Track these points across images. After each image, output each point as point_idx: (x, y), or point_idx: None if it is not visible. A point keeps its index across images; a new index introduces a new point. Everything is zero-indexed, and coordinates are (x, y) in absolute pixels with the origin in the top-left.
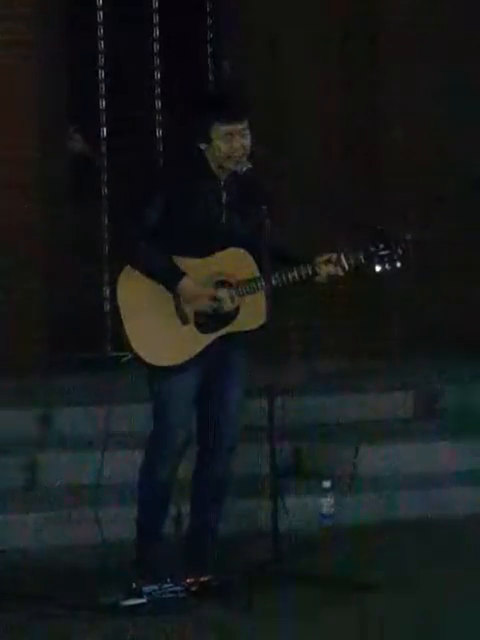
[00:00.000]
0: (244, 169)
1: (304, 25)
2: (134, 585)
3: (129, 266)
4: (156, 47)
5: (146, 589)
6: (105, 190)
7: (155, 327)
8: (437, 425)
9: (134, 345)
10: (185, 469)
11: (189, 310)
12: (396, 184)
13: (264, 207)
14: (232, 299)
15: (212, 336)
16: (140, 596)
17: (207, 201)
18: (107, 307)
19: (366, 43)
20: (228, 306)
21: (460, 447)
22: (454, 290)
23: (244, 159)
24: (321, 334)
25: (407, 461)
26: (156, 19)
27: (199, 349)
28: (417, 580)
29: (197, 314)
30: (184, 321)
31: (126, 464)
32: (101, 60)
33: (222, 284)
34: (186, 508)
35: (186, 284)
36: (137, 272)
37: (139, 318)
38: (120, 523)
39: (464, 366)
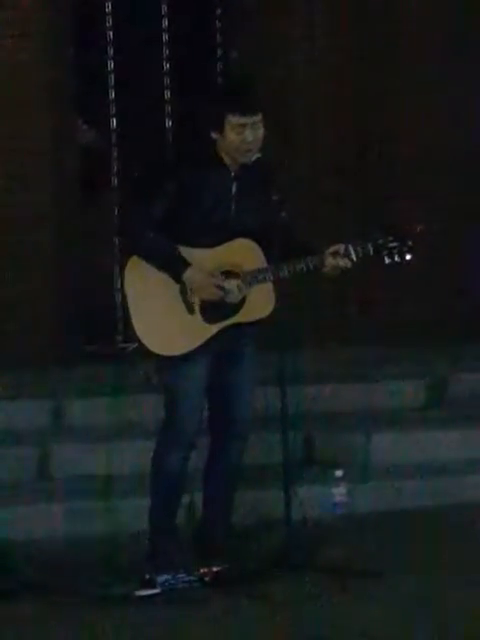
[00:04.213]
0: (253, 158)
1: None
2: (148, 576)
3: (135, 256)
4: (165, 38)
5: (160, 579)
6: (116, 181)
7: (161, 316)
8: (448, 413)
9: (139, 334)
10: (198, 459)
11: (195, 300)
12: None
13: (275, 197)
14: (239, 289)
15: (218, 326)
16: (154, 586)
17: (217, 191)
18: (119, 298)
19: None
20: (234, 297)
21: (471, 435)
22: (464, 278)
23: (256, 151)
24: (333, 323)
25: (419, 449)
26: (165, 10)
27: (204, 339)
28: (428, 568)
29: (203, 304)
30: (190, 311)
31: (139, 454)
32: (110, 51)
33: (229, 274)
34: (199, 498)
35: (191, 274)
36: (144, 262)
37: (145, 307)
38: (133, 513)
39: (475, 354)
